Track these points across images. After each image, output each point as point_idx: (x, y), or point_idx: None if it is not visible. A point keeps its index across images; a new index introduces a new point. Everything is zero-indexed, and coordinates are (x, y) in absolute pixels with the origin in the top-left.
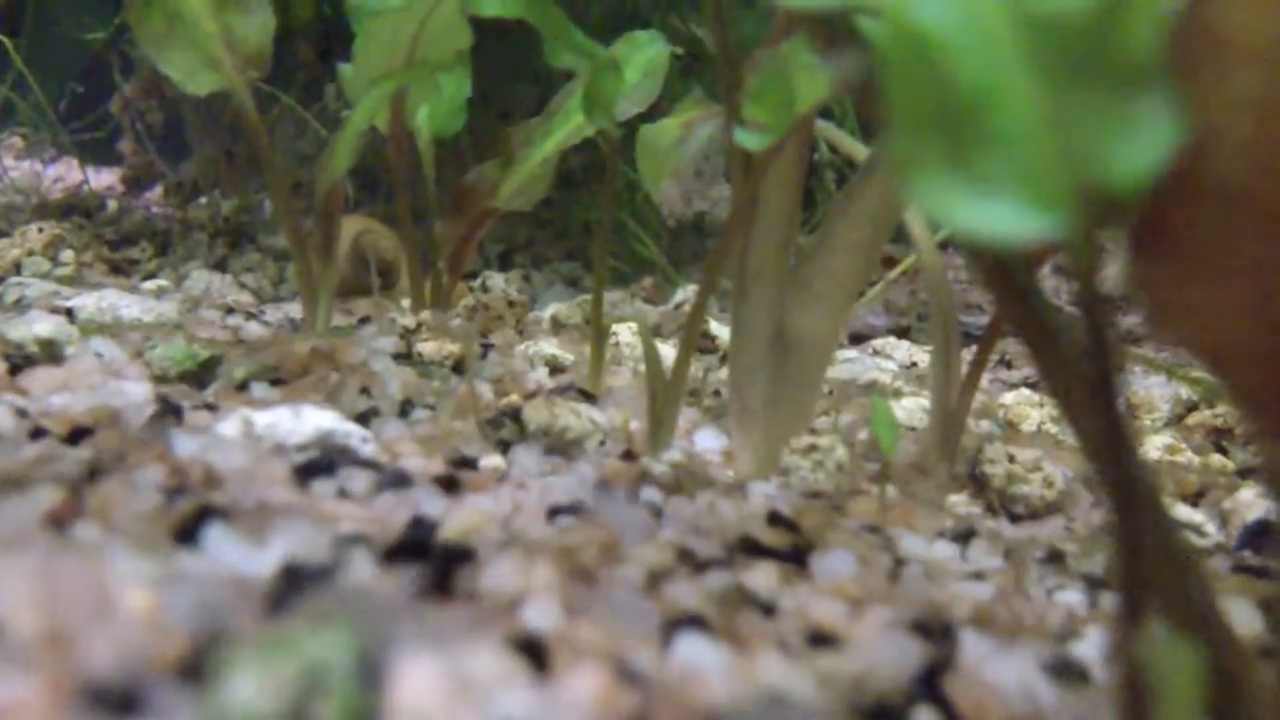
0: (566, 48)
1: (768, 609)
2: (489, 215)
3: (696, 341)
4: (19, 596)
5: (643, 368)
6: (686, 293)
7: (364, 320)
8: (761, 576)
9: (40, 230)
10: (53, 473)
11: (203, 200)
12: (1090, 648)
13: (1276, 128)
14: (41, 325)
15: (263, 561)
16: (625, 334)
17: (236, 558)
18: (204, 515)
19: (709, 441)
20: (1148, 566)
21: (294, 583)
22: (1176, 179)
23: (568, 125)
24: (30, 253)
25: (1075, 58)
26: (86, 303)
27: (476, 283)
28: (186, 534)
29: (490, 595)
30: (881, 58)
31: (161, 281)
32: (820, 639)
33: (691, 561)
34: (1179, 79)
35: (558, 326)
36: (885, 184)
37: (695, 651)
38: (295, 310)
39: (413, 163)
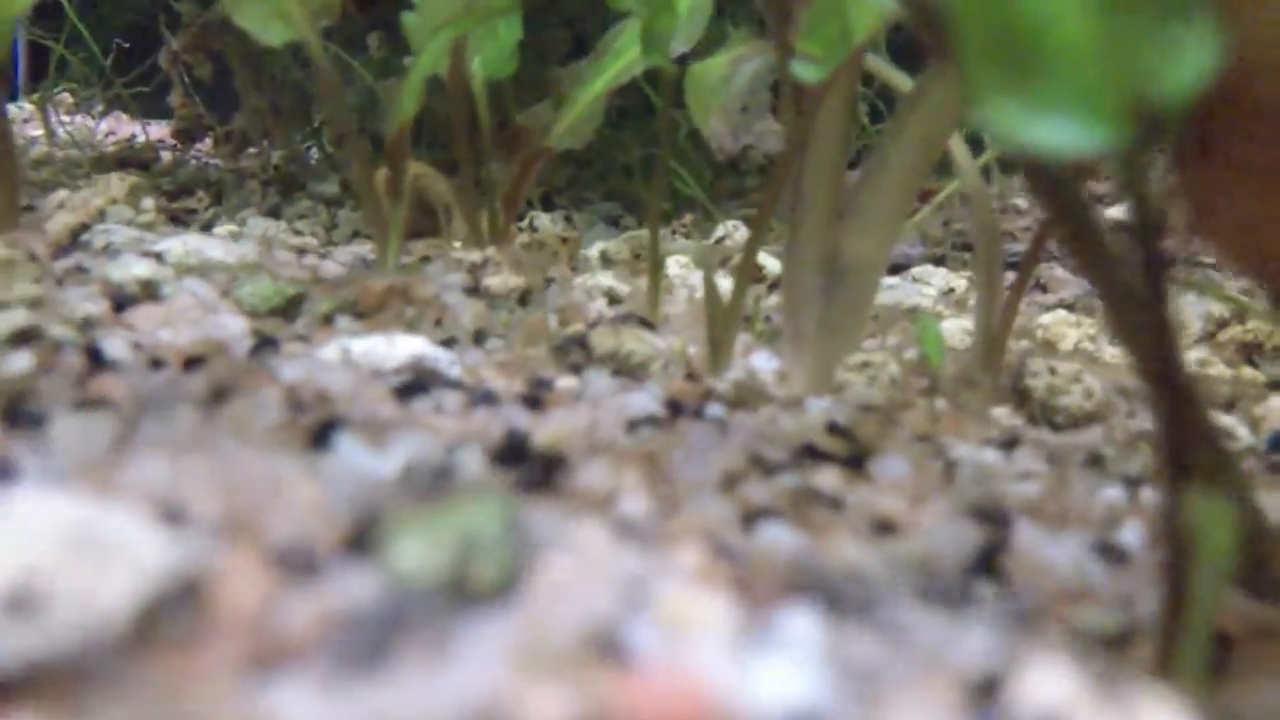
0: None
1: (835, 503)
2: (541, 155)
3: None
4: (202, 485)
5: (697, 295)
6: (726, 228)
7: (425, 259)
8: (826, 478)
9: (121, 179)
10: (182, 393)
11: (252, 150)
12: (1132, 535)
13: None
14: (139, 267)
15: (388, 464)
16: (674, 266)
17: (365, 461)
18: (331, 425)
19: (763, 363)
20: (1191, 441)
21: (418, 481)
22: (1222, 94)
23: (617, 64)
24: (113, 201)
25: None
26: (172, 245)
27: (524, 223)
28: (318, 441)
29: (586, 493)
30: None
31: (232, 227)
32: (886, 527)
33: (761, 465)
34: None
35: (607, 261)
36: (931, 112)
37: (776, 535)
38: (360, 252)
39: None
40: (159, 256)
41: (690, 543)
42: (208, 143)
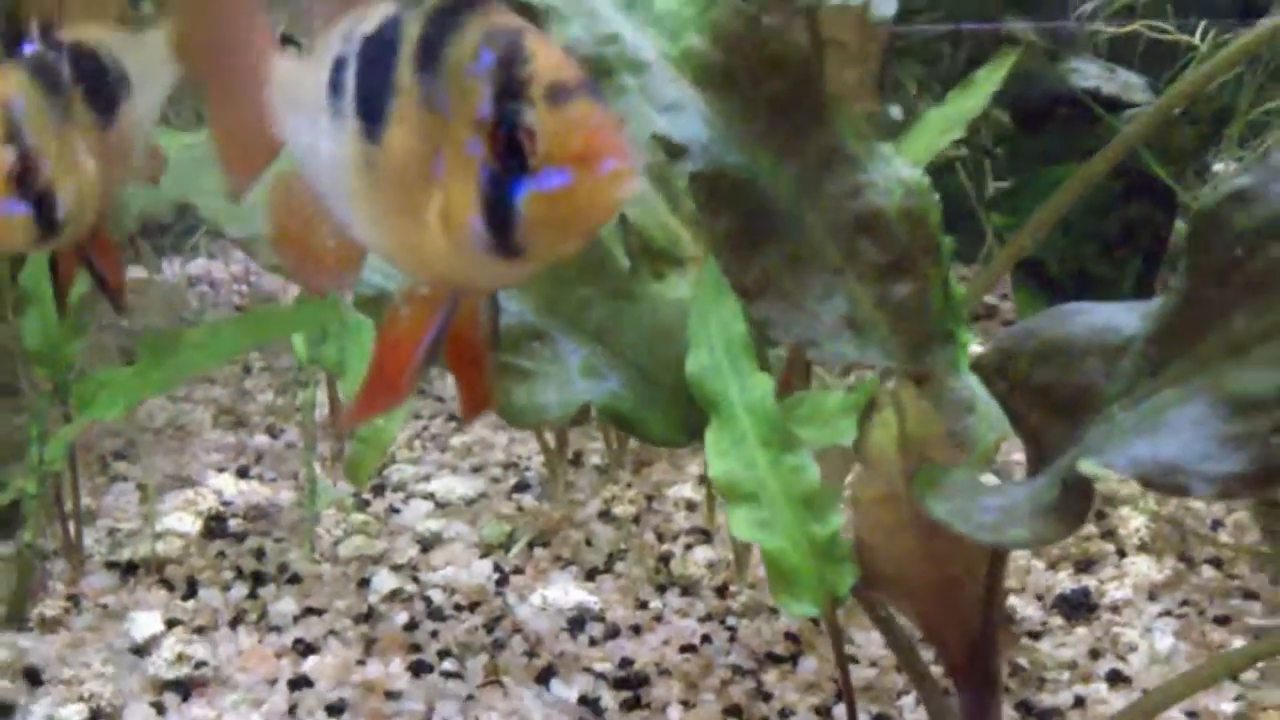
0: None
1: (768, 696)
2: None
3: None
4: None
5: None
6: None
7: (578, 454)
8: (772, 675)
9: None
10: (480, 644)
11: None
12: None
13: (888, 512)
14: (431, 521)
15: (573, 693)
16: None
17: (565, 692)
18: (548, 671)
19: None
20: None
21: (591, 707)
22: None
23: None
24: (396, 446)
25: (819, 544)
26: (437, 488)
27: None
28: (543, 679)
29: (656, 703)
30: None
31: (465, 440)
32: (786, 713)
33: (741, 671)
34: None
35: (697, 449)
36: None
37: None
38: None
39: None
40: (433, 496)
41: None
42: None
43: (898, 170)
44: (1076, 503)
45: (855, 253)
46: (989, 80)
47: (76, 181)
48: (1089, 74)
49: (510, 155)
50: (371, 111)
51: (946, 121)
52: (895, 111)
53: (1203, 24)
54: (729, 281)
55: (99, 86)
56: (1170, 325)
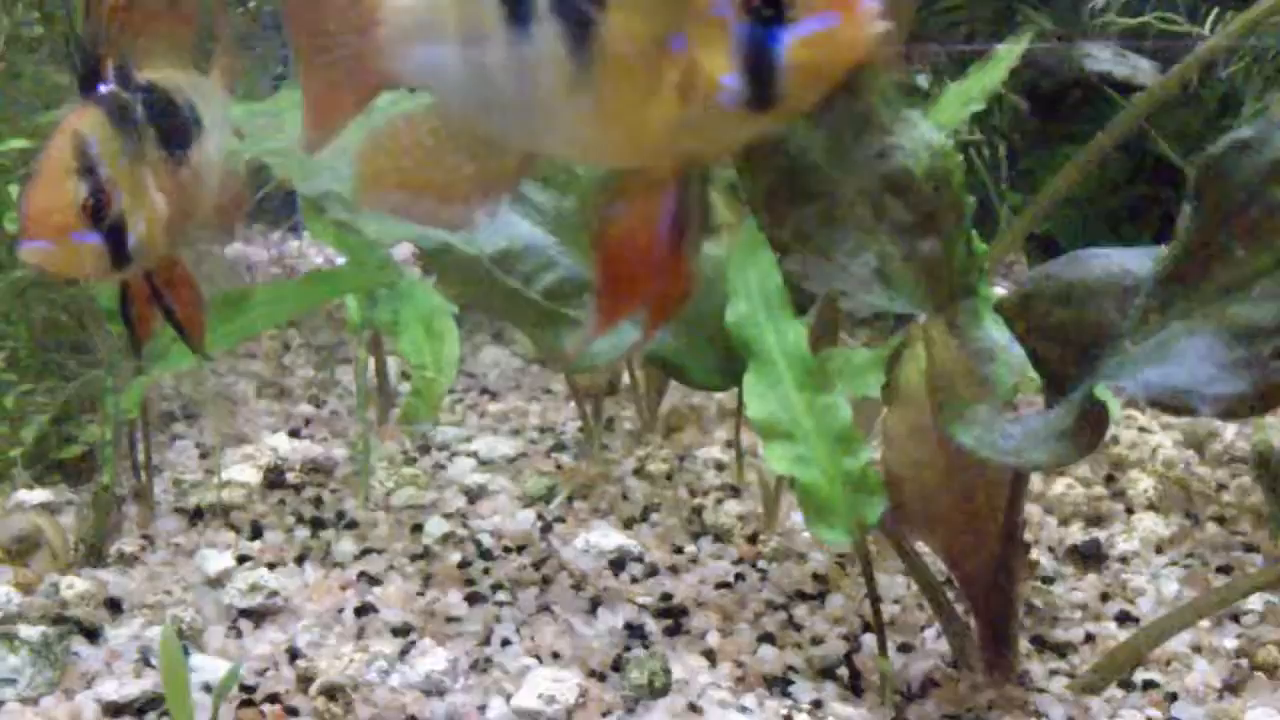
0: None
1: (799, 627)
2: None
3: None
4: (554, 640)
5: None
6: None
7: (610, 420)
8: (802, 610)
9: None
10: (529, 579)
11: None
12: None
13: (917, 446)
14: (477, 476)
15: (619, 620)
16: None
17: (611, 620)
18: (595, 602)
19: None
20: None
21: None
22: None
23: None
24: (441, 410)
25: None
26: (480, 447)
27: None
28: (592, 610)
29: (694, 630)
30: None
31: (503, 407)
32: (816, 641)
33: (773, 605)
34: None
35: (724, 414)
36: None
37: (768, 653)
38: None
39: None
40: (476, 454)
41: (730, 662)
42: None
43: (924, 134)
44: (1091, 428)
45: (884, 211)
46: (1008, 55)
47: (146, 214)
48: (1101, 58)
49: (770, 8)
50: (577, 7)
51: (968, 94)
52: (922, 80)
53: (1214, 12)
54: (766, 238)
55: (171, 125)
56: (1178, 266)
